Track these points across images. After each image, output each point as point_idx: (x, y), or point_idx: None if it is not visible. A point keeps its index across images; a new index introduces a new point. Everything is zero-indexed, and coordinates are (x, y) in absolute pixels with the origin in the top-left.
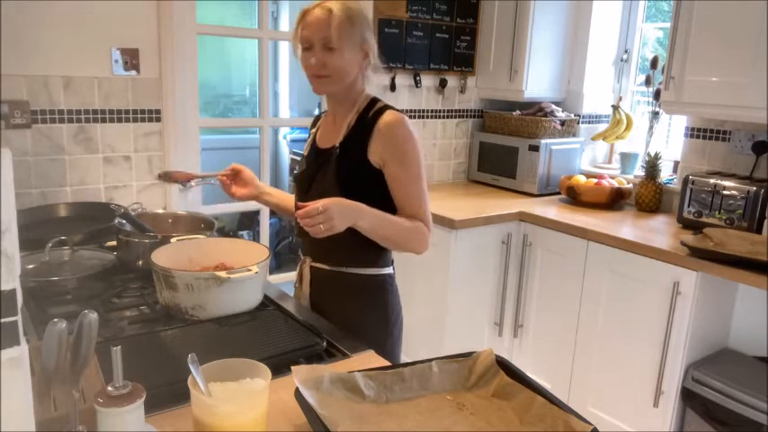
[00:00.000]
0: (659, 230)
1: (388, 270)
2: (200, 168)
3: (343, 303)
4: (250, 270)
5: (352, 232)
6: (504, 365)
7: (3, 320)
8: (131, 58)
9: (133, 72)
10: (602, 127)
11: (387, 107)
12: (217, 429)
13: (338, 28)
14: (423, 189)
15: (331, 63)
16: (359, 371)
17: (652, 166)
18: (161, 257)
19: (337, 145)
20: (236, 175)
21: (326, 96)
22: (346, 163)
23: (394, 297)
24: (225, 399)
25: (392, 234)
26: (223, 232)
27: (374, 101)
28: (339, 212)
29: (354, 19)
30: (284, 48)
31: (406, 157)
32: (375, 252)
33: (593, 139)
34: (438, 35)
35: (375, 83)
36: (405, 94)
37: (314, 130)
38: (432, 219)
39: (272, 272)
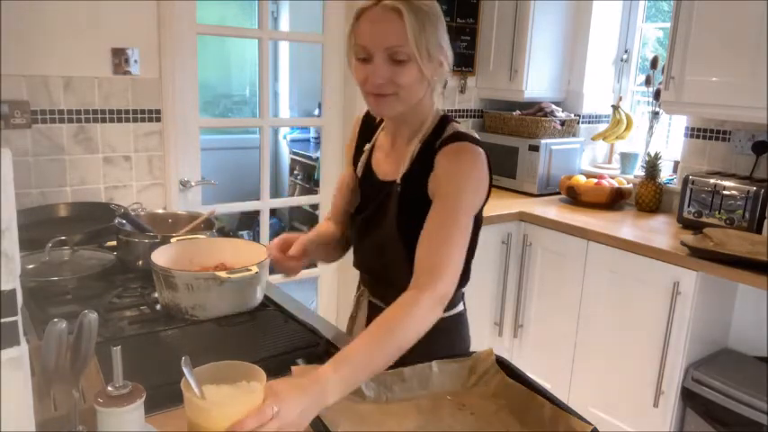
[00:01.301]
0: (659, 230)
1: (459, 308)
2: (201, 168)
3: (411, 349)
4: (250, 270)
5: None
6: (504, 365)
7: (3, 320)
8: (131, 58)
9: (133, 72)
10: (602, 127)
11: (459, 136)
12: (217, 427)
13: (410, 35)
14: (452, 236)
15: (400, 79)
16: None
17: (652, 166)
18: (161, 257)
19: (399, 181)
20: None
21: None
22: (409, 202)
23: (464, 337)
24: (219, 401)
25: (379, 363)
26: (223, 232)
27: (444, 121)
28: (298, 413)
29: (429, 21)
30: (284, 48)
31: (451, 191)
32: None
33: (593, 139)
34: None
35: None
36: None
37: (369, 146)
38: (453, 275)
39: (272, 272)
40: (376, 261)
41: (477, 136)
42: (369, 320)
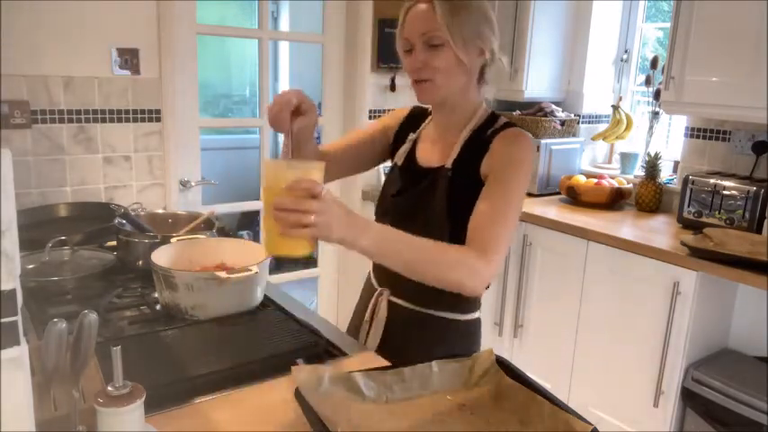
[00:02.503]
0: (659, 230)
1: (478, 314)
2: (201, 168)
3: (425, 351)
4: (250, 270)
5: None
6: (504, 365)
7: (3, 320)
8: (131, 58)
9: (133, 72)
10: (602, 127)
11: (510, 124)
12: (281, 185)
13: (441, 19)
14: (506, 216)
15: (434, 62)
16: (359, 371)
17: (652, 166)
18: (161, 257)
19: (449, 166)
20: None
21: (433, 106)
22: (459, 184)
23: (475, 340)
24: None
25: (416, 259)
26: (223, 232)
27: (495, 116)
28: (339, 217)
29: (464, 9)
30: (284, 48)
31: (507, 174)
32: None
33: (593, 139)
34: None
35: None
36: (405, 94)
37: (414, 136)
38: (502, 257)
39: (271, 272)
40: None
41: None
42: (390, 321)
